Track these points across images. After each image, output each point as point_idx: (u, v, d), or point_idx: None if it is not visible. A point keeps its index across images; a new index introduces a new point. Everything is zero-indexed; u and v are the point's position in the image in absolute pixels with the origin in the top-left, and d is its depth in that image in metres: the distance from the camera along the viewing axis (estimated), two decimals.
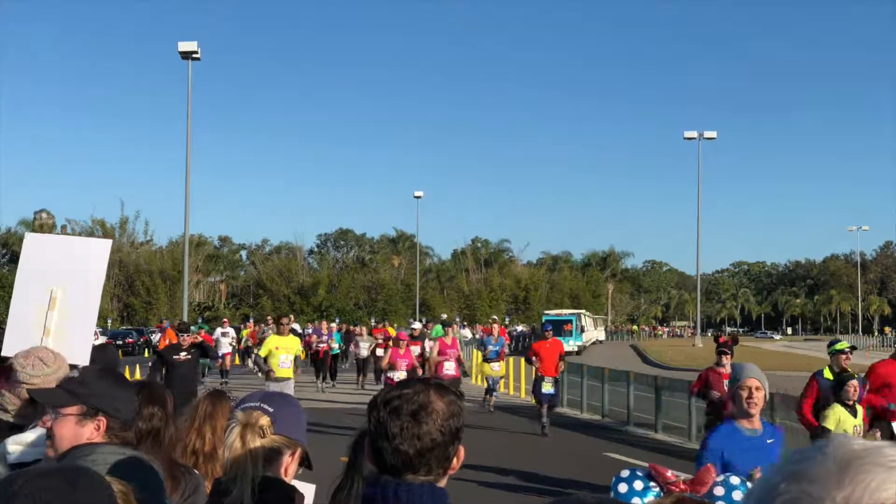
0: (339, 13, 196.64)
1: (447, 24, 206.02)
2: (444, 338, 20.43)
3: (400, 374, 18.03)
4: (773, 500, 1.08)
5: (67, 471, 2.11)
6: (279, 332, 18.13)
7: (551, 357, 20.03)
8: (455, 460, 2.43)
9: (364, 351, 32.80)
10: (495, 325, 25.14)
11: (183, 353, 15.70)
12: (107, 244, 6.28)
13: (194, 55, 43.34)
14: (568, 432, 20.75)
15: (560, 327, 57.66)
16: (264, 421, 2.93)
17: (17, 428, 4.30)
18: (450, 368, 19.46)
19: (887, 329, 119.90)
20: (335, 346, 32.95)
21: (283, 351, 17.52)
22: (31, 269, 5.96)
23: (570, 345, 54.01)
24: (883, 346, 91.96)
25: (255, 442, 2.90)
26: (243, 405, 3.05)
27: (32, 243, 6.13)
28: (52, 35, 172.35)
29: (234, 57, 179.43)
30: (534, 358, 20.23)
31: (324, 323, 37.27)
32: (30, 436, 3.99)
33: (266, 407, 2.99)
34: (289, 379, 17.64)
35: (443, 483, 2.42)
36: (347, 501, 3.20)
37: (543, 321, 56.90)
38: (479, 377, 28.41)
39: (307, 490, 4.03)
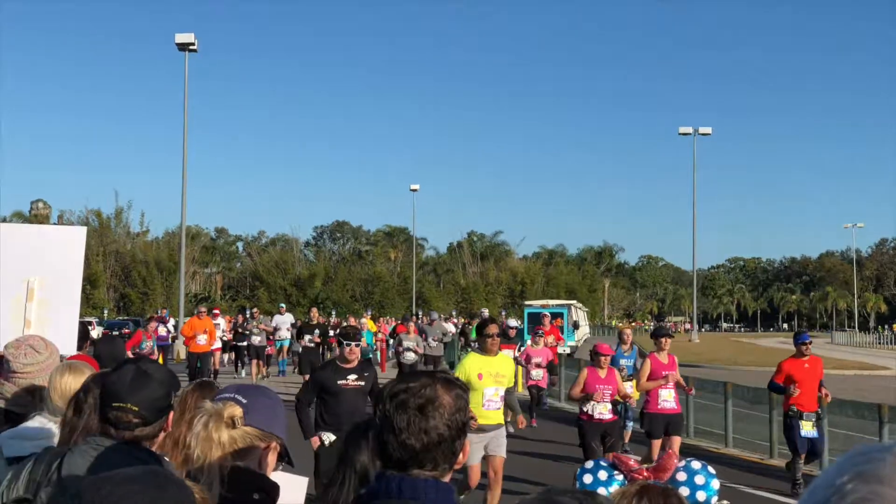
0: (337, 7, 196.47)
1: (443, 19, 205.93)
2: (658, 353, 13.63)
3: (603, 408, 12.58)
4: (840, 499, 1.06)
5: (154, 475, 2.08)
6: (484, 349, 10.56)
7: (811, 382, 13.90)
8: (461, 455, 2.41)
9: (411, 354, 25.11)
10: (627, 330, 18.13)
11: (351, 378, 10.01)
12: (82, 231, 6.19)
13: (191, 47, 43.30)
14: (563, 427, 20.76)
15: (545, 322, 46.69)
16: (235, 412, 2.89)
17: (12, 415, 4.31)
18: (669, 399, 13.36)
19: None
20: (367, 350, 25.94)
21: (490, 381, 10.43)
22: (5, 261, 5.88)
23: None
24: (880, 343, 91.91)
25: (223, 432, 2.86)
26: (218, 397, 3.00)
27: (4, 234, 6.06)
28: (48, 27, 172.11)
29: (230, 49, 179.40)
30: (791, 385, 13.88)
31: (349, 318, 29.47)
32: (27, 428, 3.99)
33: (240, 398, 2.94)
34: (499, 426, 10.66)
35: (448, 477, 2.40)
36: (339, 495, 3.19)
37: (526, 314, 47.39)
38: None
39: (300, 483, 4.03)
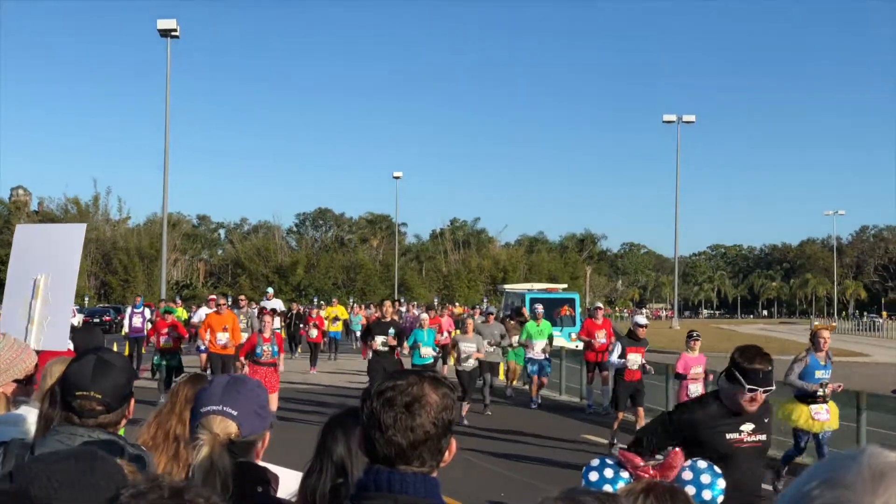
0: None
1: (426, 9, 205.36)
2: None
3: None
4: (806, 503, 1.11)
5: (84, 454, 2.15)
6: None
7: None
8: (447, 453, 2.44)
9: (471, 361, 19.45)
10: (825, 332, 13.65)
11: (747, 429, 5.76)
12: (81, 228, 6.23)
13: (173, 33, 43.08)
14: (547, 414, 20.87)
15: (550, 310, 30.86)
16: (231, 429, 2.92)
17: None
18: None
19: (885, 314, 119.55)
20: (429, 352, 19.52)
21: None
22: (21, 261, 5.92)
23: (572, 340, 30.24)
24: (858, 330, 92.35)
25: (224, 458, 2.89)
26: (204, 408, 3.00)
27: (22, 235, 6.09)
28: (26, 12, 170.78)
29: (213, 35, 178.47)
30: None
31: (412, 306, 22.04)
32: (12, 414, 4.01)
33: (229, 410, 2.95)
34: None
35: (435, 473, 2.43)
36: (317, 484, 3.23)
37: (528, 300, 35.02)
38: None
39: (293, 477, 4.06)
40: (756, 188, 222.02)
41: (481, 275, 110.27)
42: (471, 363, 19.32)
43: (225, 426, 2.93)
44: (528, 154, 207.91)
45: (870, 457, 1.11)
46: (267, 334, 17.60)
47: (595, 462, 2.93)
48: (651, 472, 2.75)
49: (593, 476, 2.85)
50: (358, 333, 43.48)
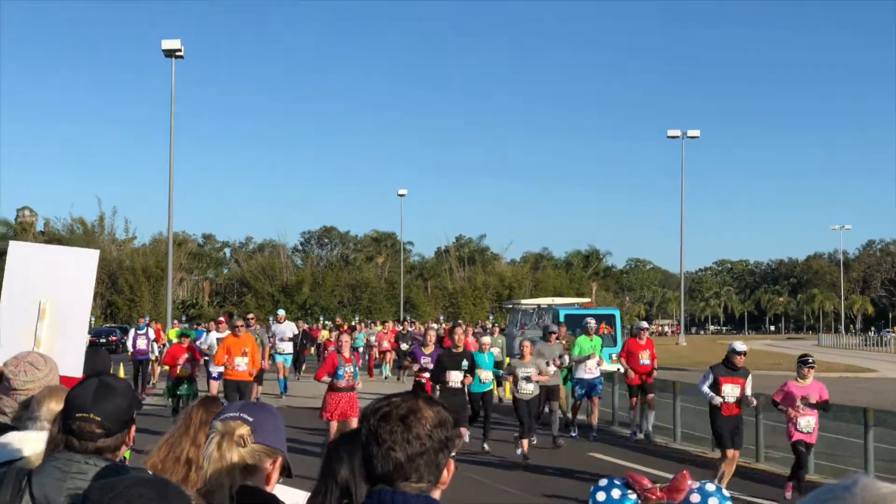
0: (322, 13, 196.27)
1: (430, 21, 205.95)
2: None
3: None
4: None
5: (159, 483, 2.27)
6: None
7: None
8: (446, 473, 2.47)
9: (530, 385, 17.39)
10: None
11: None
12: (95, 254, 6.15)
13: (178, 53, 43.27)
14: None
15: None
16: (244, 430, 2.96)
17: (13, 429, 4.35)
18: None
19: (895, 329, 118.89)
20: (489, 376, 18.18)
21: None
22: (18, 280, 5.84)
23: (612, 361, 26.02)
24: (866, 346, 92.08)
25: (233, 452, 2.93)
26: (223, 415, 3.07)
27: (17, 252, 6.01)
28: (31, 31, 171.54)
29: (218, 54, 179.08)
30: None
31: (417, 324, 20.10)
32: (9, 441, 4.02)
33: (246, 416, 3.01)
34: None
35: (437, 494, 2.46)
36: None
37: (563, 315, 32.63)
38: None
39: (300, 498, 4.07)
40: (762, 203, 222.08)
41: (487, 292, 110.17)
42: (531, 388, 17.24)
43: (238, 426, 2.98)
44: (533, 171, 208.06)
45: (862, 489, 1.11)
46: (346, 354, 15.86)
47: (603, 482, 2.93)
48: (659, 493, 2.74)
49: (601, 496, 2.84)
50: (361, 350, 43.56)
